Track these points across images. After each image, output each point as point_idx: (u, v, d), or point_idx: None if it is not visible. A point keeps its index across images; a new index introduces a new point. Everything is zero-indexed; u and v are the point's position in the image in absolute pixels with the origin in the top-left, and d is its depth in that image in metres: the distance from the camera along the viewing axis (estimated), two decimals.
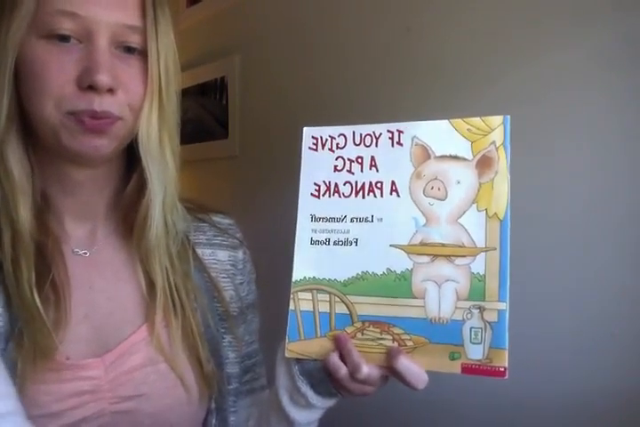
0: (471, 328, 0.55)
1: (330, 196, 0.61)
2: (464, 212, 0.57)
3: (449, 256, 0.57)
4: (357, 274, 0.59)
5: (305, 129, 0.63)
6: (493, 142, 0.57)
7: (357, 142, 0.61)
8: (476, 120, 0.58)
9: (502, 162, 0.57)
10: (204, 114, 1.92)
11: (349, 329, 0.58)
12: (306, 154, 0.63)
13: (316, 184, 0.62)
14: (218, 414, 0.70)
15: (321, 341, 0.59)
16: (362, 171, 0.60)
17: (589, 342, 0.97)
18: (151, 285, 0.66)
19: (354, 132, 0.61)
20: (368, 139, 0.61)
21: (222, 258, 0.74)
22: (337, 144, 0.62)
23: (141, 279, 0.67)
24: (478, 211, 0.57)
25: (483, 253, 0.56)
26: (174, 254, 0.68)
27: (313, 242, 0.61)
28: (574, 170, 1.00)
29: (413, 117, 1.27)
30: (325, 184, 0.61)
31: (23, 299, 0.58)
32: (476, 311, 0.55)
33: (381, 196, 0.59)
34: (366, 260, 0.59)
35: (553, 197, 1.00)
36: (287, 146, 1.78)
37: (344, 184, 0.61)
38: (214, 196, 1.92)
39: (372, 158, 0.60)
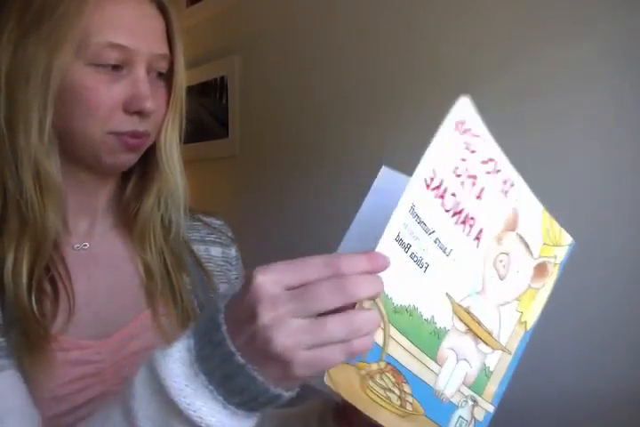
0: (459, 417, 0.52)
1: (435, 196, 0.48)
2: (507, 303, 0.54)
3: (478, 337, 0.53)
4: (409, 305, 0.48)
5: (462, 98, 0.49)
6: (555, 257, 0.55)
7: (485, 159, 0.51)
8: (556, 226, 0.56)
9: (552, 279, 0.55)
10: (204, 113, 1.92)
11: (374, 366, 0.48)
12: (446, 128, 0.48)
13: (434, 172, 0.48)
14: None
15: (352, 372, 0.47)
16: (469, 193, 0.50)
17: (590, 342, 0.97)
18: (150, 275, 0.72)
19: (489, 143, 0.52)
20: (492, 165, 0.51)
21: (216, 254, 0.80)
22: (475, 143, 0.50)
23: (141, 270, 0.72)
24: (516, 310, 0.55)
25: (500, 352, 0.54)
26: (173, 249, 0.74)
27: (397, 239, 0.46)
28: (575, 168, 1.00)
29: (413, 115, 1.28)
30: (439, 179, 0.48)
31: (18, 295, 0.62)
32: (470, 403, 0.53)
33: (467, 234, 0.50)
34: (423, 294, 0.49)
35: (555, 195, 1.01)
36: (287, 145, 1.79)
37: (451, 195, 0.49)
38: (214, 195, 1.92)
39: (482, 190, 0.51)
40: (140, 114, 0.65)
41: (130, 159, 0.69)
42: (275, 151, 1.70)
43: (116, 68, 0.64)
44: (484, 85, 1.13)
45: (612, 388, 0.93)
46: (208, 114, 1.91)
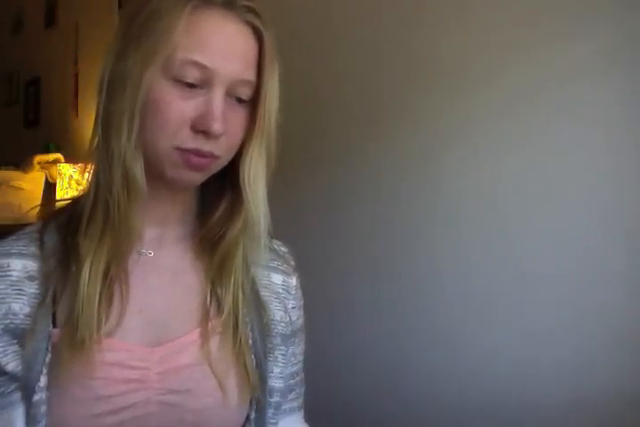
0: None
1: None
2: None
3: None
4: None
5: None
6: None
7: None
8: None
9: None
10: None
11: None
12: None
13: None
14: (256, 423, 0.73)
15: None
16: None
17: (592, 343, 0.97)
18: (214, 295, 0.72)
19: None
20: None
21: (276, 281, 0.79)
22: None
23: (206, 289, 0.72)
24: None
25: None
26: (246, 284, 0.74)
27: None
28: (577, 167, 1.00)
29: (413, 115, 1.28)
30: None
31: (89, 291, 0.64)
32: None
33: None
34: None
35: (556, 194, 1.01)
36: (287, 145, 1.78)
37: None
38: None
39: None
40: (206, 134, 0.64)
41: (194, 178, 0.68)
42: (275, 151, 1.70)
43: (193, 85, 0.64)
44: (485, 86, 1.13)
45: (613, 389, 0.93)
46: None
